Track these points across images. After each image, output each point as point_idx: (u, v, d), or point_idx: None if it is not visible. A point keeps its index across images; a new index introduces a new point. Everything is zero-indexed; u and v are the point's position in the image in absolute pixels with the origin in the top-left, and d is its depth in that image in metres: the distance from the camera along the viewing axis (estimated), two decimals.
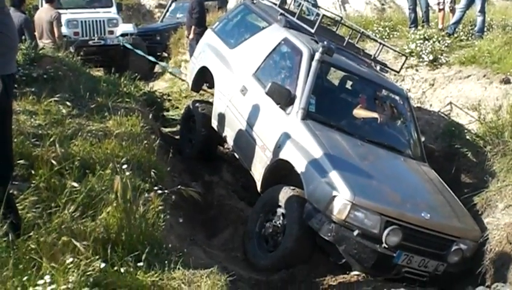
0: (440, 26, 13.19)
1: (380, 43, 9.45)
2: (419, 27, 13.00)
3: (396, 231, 6.33)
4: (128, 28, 17.64)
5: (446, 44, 11.75)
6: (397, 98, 8.76)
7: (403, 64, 9.78)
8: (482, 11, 12.30)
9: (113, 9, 17.78)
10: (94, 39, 16.56)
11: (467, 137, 9.17)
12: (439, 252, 6.69)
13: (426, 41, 11.78)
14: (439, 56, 11.37)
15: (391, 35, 13.20)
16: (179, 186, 6.06)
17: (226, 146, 9.90)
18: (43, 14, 12.27)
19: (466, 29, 12.90)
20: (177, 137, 10.67)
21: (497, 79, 9.83)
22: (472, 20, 13.12)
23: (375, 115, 8.22)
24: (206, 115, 9.38)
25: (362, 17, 15.42)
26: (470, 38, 12.38)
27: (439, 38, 11.92)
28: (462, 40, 12.25)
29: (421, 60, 11.46)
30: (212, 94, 9.63)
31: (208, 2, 18.95)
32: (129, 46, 16.55)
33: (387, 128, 8.36)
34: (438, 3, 13.51)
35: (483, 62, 10.43)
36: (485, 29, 12.50)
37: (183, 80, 14.45)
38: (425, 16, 13.38)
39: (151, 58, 16.52)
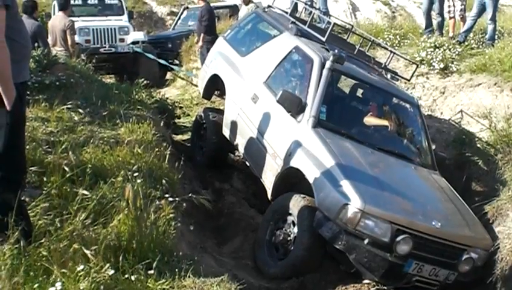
0: (451, 34, 13.19)
1: (391, 51, 9.45)
2: (431, 34, 12.97)
3: (407, 239, 6.30)
4: (139, 36, 17.71)
5: (457, 52, 11.73)
6: (408, 106, 8.74)
7: (414, 72, 9.76)
8: (493, 19, 12.29)
9: (125, 17, 17.87)
10: (105, 47, 16.63)
11: (478, 145, 9.15)
12: (450, 261, 6.65)
13: (437, 49, 11.74)
14: (450, 64, 11.34)
15: (402, 43, 13.20)
16: (190, 194, 6.08)
17: (236, 154, 9.91)
18: (57, 22, 12.31)
19: (477, 37, 12.90)
20: (188, 144, 10.68)
21: (507, 87, 9.80)
22: (483, 28, 13.11)
23: (385, 123, 8.21)
24: (217, 122, 9.40)
25: (373, 25, 15.42)
26: (480, 46, 12.37)
27: (450, 47, 11.90)
28: (472, 48, 12.23)
29: (431, 68, 11.45)
30: (223, 102, 9.64)
31: (219, 10, 19.00)
32: (140, 51, 16.60)
33: (397, 136, 8.32)
34: (449, 12, 13.50)
35: (494, 70, 10.40)
36: (496, 37, 12.48)
37: (195, 86, 14.47)
38: (439, 24, 13.33)
39: (163, 61, 16.56)
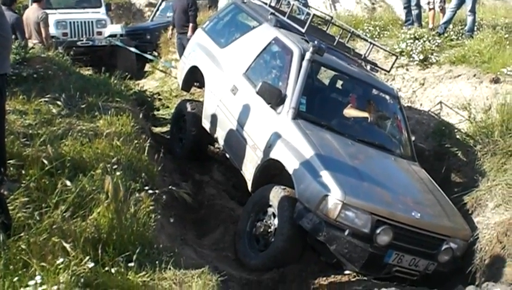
0: (430, 25, 13.22)
1: (371, 43, 9.45)
2: (411, 26, 13.01)
3: (387, 230, 6.34)
4: (117, 29, 17.63)
5: (436, 43, 11.78)
6: (387, 97, 8.77)
7: (393, 63, 9.80)
8: (473, 11, 12.34)
9: (102, 9, 17.75)
10: (82, 40, 16.53)
11: (457, 136, 9.20)
12: (429, 252, 6.70)
13: (417, 41, 11.79)
14: (430, 56, 11.39)
15: (381, 35, 13.20)
16: (170, 187, 6.06)
17: (216, 146, 9.89)
18: (31, 14, 12.22)
19: (456, 28, 12.93)
20: (168, 137, 10.64)
21: (487, 78, 9.86)
22: (462, 19, 13.15)
23: (365, 114, 8.23)
24: (196, 114, 9.35)
25: (353, 17, 15.41)
26: (460, 38, 12.39)
27: (430, 38, 11.95)
28: (452, 40, 12.27)
29: (411, 59, 11.48)
30: (203, 94, 9.60)
31: (199, 1, 18.92)
32: (121, 44, 16.54)
33: (377, 127, 8.36)
34: (428, 3, 13.54)
35: (474, 62, 10.48)
36: (475, 28, 12.53)
37: (174, 78, 14.41)
38: (417, 15, 13.36)
39: (143, 54, 16.49)
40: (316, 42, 7.87)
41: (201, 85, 9.80)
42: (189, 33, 14.12)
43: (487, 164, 8.14)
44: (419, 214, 6.60)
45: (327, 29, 10.78)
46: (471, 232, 7.08)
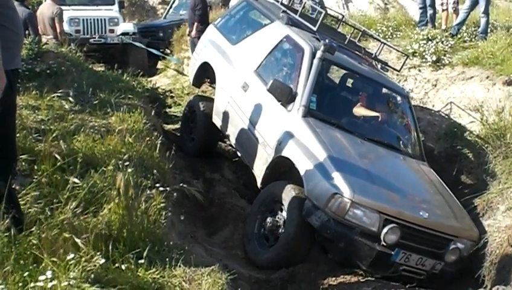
0: (443, 26, 13.18)
1: (381, 42, 9.45)
2: (425, 27, 12.97)
3: (395, 229, 6.37)
4: (129, 27, 17.67)
5: (449, 45, 11.74)
6: (397, 96, 8.79)
7: (404, 63, 9.78)
8: (486, 13, 12.30)
9: (115, 7, 17.79)
10: (95, 37, 16.58)
11: (469, 138, 9.16)
12: (436, 251, 6.73)
13: (429, 42, 11.74)
14: (442, 57, 11.34)
15: (394, 35, 13.16)
16: (181, 184, 6.06)
17: (227, 142, 9.89)
18: (45, 9, 12.27)
19: (469, 30, 12.89)
20: (179, 134, 10.65)
21: (500, 81, 9.80)
22: (476, 21, 13.11)
23: (375, 113, 8.23)
24: (207, 110, 9.38)
25: (366, 17, 15.39)
26: (473, 39, 12.36)
27: (443, 39, 11.91)
28: (465, 41, 12.23)
29: (424, 60, 11.43)
30: (214, 91, 9.62)
31: None
32: (133, 42, 16.59)
33: (387, 126, 8.38)
34: (442, 4, 13.49)
35: (487, 63, 10.41)
36: (489, 30, 12.48)
37: (185, 75, 14.42)
38: (431, 16, 13.32)
39: (154, 51, 16.54)
40: (327, 41, 7.88)
41: (212, 81, 9.82)
42: (192, 32, 14.15)
43: (499, 167, 8.11)
44: (427, 214, 6.62)
45: (338, 27, 10.78)
46: (478, 233, 7.08)
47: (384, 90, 8.81)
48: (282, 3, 9.55)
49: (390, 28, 13.42)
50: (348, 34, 9.57)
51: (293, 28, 8.56)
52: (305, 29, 8.58)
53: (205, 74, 10.08)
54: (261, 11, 9.64)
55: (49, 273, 3.72)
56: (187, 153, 9.73)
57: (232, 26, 10.13)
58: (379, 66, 9.40)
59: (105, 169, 5.67)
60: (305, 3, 9.95)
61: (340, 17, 11.96)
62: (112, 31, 16.97)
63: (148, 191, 5.50)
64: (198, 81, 10.53)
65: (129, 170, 5.47)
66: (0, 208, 3.95)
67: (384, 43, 9.48)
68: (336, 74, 9.22)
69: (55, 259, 3.94)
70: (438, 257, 6.73)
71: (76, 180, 4.98)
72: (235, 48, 9.26)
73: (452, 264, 6.84)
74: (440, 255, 6.74)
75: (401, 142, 8.26)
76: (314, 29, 8.37)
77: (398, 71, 9.75)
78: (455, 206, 7.29)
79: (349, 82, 9.11)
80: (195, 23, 14.17)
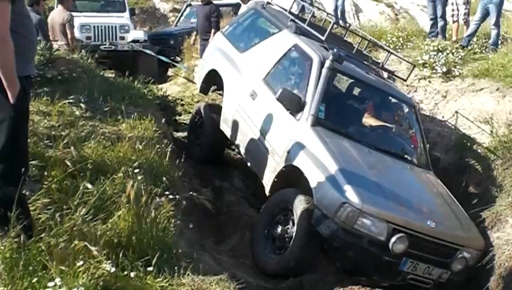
0: (454, 38, 13.18)
1: (388, 51, 9.48)
2: (435, 38, 12.97)
3: (403, 238, 6.41)
4: (139, 34, 17.71)
5: (460, 56, 11.73)
6: (404, 106, 8.82)
7: (410, 72, 9.81)
8: (497, 24, 12.29)
9: (126, 14, 17.88)
10: (105, 44, 16.64)
11: (479, 150, 9.16)
12: (443, 260, 6.76)
13: (440, 53, 11.75)
14: (453, 68, 11.35)
15: (405, 46, 13.17)
16: (190, 193, 6.07)
17: (236, 151, 9.89)
18: (56, 15, 12.30)
19: (480, 42, 12.89)
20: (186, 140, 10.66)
21: (510, 93, 9.80)
22: (486, 33, 13.10)
23: (382, 122, 8.26)
24: (214, 117, 9.40)
25: (376, 27, 15.40)
26: (483, 51, 12.37)
27: (453, 51, 11.90)
28: (475, 53, 12.23)
29: (434, 71, 11.44)
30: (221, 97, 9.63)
31: (222, 8, 18.96)
32: (145, 50, 16.64)
33: (394, 136, 8.44)
34: (452, 15, 13.51)
35: (497, 76, 10.41)
36: (499, 42, 12.48)
37: (194, 83, 14.44)
38: (442, 28, 13.32)
39: (164, 58, 16.59)
40: (335, 50, 7.90)
41: (220, 88, 9.84)
42: (210, 39, 14.13)
43: (508, 179, 8.10)
44: (434, 223, 6.66)
45: (344, 36, 10.80)
46: (484, 242, 7.13)
47: (391, 99, 8.84)
48: (290, 12, 9.56)
49: (400, 39, 13.42)
50: (356, 44, 9.57)
51: (302, 37, 8.58)
52: (314, 38, 8.59)
53: (213, 81, 10.09)
54: (269, 19, 9.65)
55: (58, 280, 3.73)
56: (193, 159, 9.73)
57: (240, 34, 10.15)
58: (385, 75, 9.40)
59: (115, 176, 5.67)
60: (313, 12, 9.94)
61: (347, 26, 11.98)
62: (122, 38, 17.04)
63: (158, 199, 5.50)
64: (205, 88, 10.53)
65: (139, 178, 5.49)
66: (11, 214, 3.97)
67: (392, 53, 9.50)
68: (342, 83, 9.23)
69: (64, 266, 3.94)
70: (445, 266, 6.77)
71: (89, 185, 5.01)
72: (243, 55, 9.28)
73: (459, 273, 6.89)
74: (447, 264, 6.78)
75: (408, 151, 8.31)
76: (323, 38, 8.37)
77: (405, 80, 9.76)
78: (461, 216, 7.34)
79: (356, 91, 9.14)
80: (213, 30, 14.18)
